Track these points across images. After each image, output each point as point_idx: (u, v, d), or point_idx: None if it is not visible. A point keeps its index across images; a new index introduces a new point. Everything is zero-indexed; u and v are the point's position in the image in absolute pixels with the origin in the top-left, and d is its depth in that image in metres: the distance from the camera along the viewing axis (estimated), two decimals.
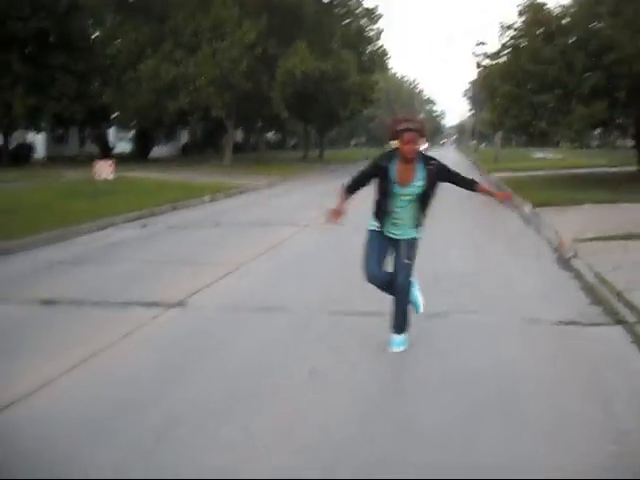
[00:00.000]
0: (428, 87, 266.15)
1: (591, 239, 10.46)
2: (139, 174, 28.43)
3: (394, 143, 5.18)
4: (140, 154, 46.46)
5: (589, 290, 7.50)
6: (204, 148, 55.47)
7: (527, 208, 14.95)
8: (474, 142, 73.42)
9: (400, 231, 5.40)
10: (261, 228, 13.33)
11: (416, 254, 5.48)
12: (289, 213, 15.58)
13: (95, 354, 5.58)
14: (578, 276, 8.25)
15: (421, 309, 5.68)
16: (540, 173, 26.92)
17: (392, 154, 5.29)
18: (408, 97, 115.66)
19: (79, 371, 5.23)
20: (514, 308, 6.84)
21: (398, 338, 5.50)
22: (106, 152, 42.67)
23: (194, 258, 10.28)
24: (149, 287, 8.19)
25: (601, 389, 4.64)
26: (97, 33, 38.43)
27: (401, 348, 5.47)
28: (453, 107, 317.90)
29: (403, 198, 5.28)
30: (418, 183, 5.22)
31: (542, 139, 30.50)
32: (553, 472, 3.56)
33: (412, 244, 5.42)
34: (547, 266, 9.13)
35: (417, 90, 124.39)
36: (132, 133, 50.04)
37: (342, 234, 12.41)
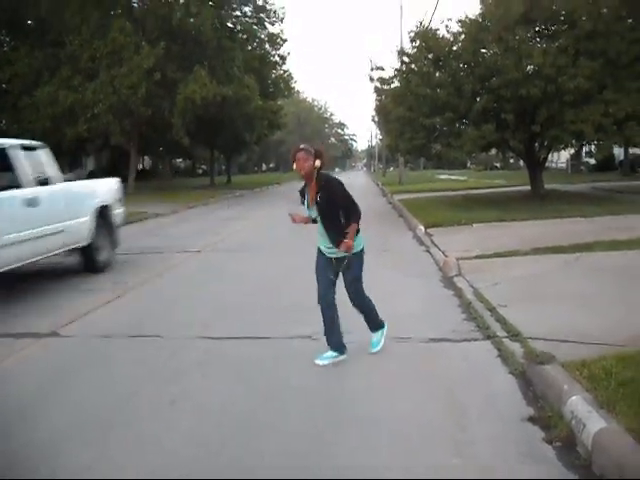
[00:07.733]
0: (339, 111, 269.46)
1: (475, 257, 10.72)
2: None
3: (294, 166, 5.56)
4: None
5: (466, 307, 7.63)
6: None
7: (421, 229, 15.19)
8: (381, 166, 74.69)
9: (333, 250, 5.60)
10: (152, 255, 13.07)
11: (360, 267, 5.75)
12: (184, 240, 15.36)
13: None
14: (458, 294, 8.39)
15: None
16: (440, 194, 27.50)
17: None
18: (318, 121, 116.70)
19: None
20: (389, 327, 6.85)
21: (375, 336, 6.01)
22: None
23: (77, 286, 9.96)
24: (24, 318, 7.89)
25: (456, 404, 4.67)
26: None
27: (378, 348, 5.97)
28: (364, 131, 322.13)
29: (318, 218, 5.64)
30: (319, 201, 5.51)
31: (441, 161, 31.14)
32: None
33: (350, 259, 5.60)
34: (431, 285, 9.27)
35: (327, 114, 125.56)
36: None
37: (226, 260, 12.33)
